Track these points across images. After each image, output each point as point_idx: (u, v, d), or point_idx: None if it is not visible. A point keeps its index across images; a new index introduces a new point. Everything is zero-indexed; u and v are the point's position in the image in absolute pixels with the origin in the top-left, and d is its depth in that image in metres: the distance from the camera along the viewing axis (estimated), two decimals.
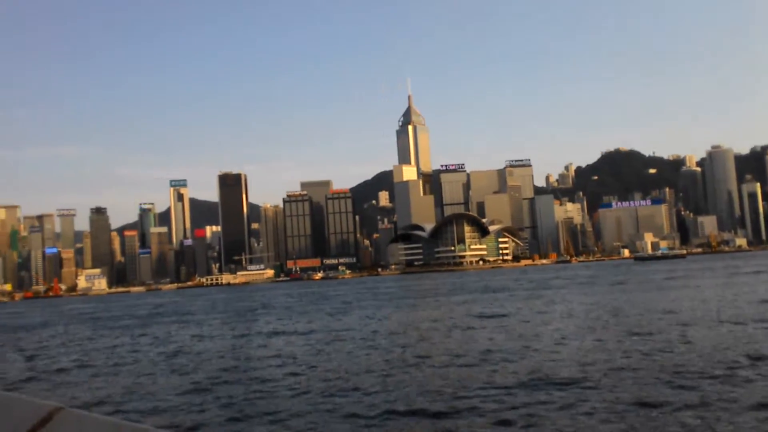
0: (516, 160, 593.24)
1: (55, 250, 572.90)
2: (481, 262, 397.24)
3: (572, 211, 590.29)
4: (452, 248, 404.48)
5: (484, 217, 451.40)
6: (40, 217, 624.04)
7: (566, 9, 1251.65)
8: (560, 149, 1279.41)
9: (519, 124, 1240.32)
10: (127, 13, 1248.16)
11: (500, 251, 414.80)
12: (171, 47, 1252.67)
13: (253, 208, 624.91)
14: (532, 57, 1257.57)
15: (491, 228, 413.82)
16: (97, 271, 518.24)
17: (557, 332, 41.69)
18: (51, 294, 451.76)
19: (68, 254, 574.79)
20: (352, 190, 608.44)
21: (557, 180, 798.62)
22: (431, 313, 67.69)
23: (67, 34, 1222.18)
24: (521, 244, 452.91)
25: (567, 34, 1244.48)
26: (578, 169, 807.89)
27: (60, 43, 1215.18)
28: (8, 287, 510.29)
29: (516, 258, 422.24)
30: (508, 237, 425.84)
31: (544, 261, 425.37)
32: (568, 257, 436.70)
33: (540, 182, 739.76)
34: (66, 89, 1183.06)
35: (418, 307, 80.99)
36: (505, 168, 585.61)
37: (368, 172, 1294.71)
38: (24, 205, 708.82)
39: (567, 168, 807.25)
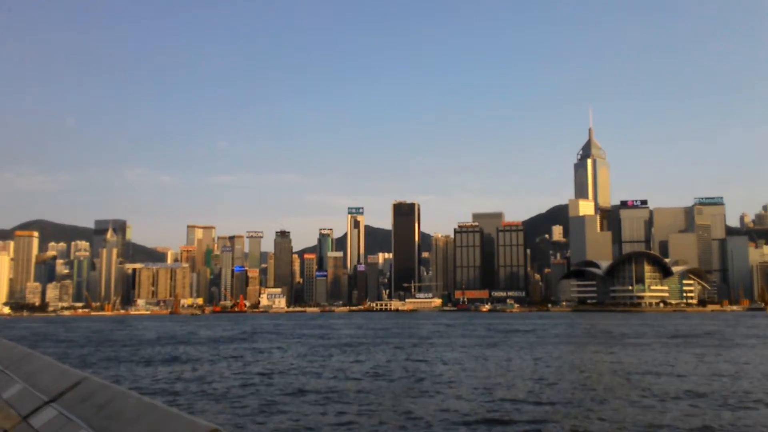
0: (706, 198, 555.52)
1: (242, 268, 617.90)
2: (661, 305, 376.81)
3: None
4: (630, 288, 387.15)
5: (667, 257, 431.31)
6: (231, 238, 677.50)
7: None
8: (758, 187, 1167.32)
9: (710, 159, 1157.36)
10: (331, 67, 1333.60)
11: (684, 294, 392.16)
12: (356, 87, 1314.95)
13: (425, 238, 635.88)
14: (730, 89, 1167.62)
15: (675, 269, 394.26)
16: (278, 290, 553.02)
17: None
18: (236, 309, 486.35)
19: (254, 273, 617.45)
20: (524, 223, 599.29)
21: (753, 221, 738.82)
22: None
23: (280, 80, 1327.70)
24: (708, 287, 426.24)
25: None
26: None
27: (278, 89, 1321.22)
28: (200, 301, 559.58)
29: (702, 302, 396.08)
30: (693, 279, 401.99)
31: (734, 307, 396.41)
32: (763, 304, 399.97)
33: (733, 222, 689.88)
34: (262, 127, 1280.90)
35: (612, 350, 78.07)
36: (693, 206, 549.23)
37: (542, 205, 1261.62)
38: (219, 226, 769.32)
39: (765, 208, 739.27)
